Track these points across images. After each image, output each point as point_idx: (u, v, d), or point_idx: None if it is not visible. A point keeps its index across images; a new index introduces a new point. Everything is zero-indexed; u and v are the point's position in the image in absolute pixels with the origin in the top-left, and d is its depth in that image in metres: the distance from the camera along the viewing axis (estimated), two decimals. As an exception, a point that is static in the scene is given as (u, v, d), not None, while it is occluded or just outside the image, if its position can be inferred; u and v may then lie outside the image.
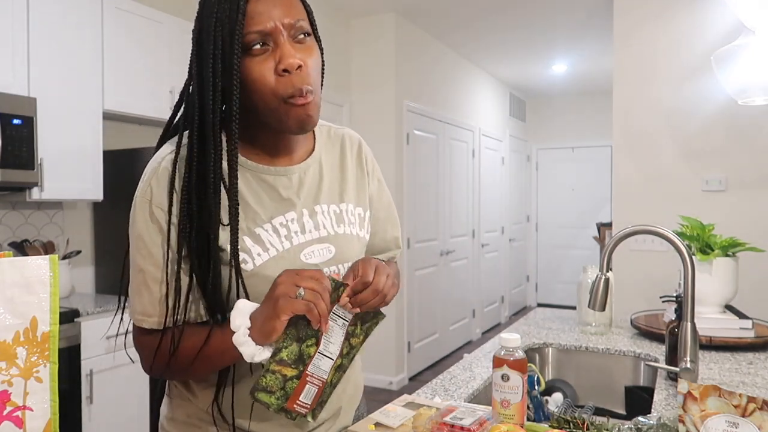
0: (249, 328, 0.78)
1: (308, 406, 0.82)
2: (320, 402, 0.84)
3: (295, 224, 0.90)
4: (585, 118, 7.00)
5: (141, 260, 0.85)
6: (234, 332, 0.78)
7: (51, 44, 2.35)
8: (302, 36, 0.83)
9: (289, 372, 0.80)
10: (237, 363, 0.84)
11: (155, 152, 0.89)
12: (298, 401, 0.81)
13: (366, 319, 0.87)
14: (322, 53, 0.89)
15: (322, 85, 0.89)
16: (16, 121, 2.18)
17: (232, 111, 0.80)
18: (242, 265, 0.85)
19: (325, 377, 0.83)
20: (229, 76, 0.80)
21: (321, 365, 0.82)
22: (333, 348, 0.83)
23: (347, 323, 0.84)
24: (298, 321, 0.79)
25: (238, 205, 0.83)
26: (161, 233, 0.84)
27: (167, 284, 0.84)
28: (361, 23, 4.34)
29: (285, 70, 0.80)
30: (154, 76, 2.74)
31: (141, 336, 0.88)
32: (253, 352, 0.78)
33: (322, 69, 0.89)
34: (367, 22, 4.32)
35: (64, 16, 2.39)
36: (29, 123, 2.22)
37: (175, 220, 0.83)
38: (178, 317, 0.83)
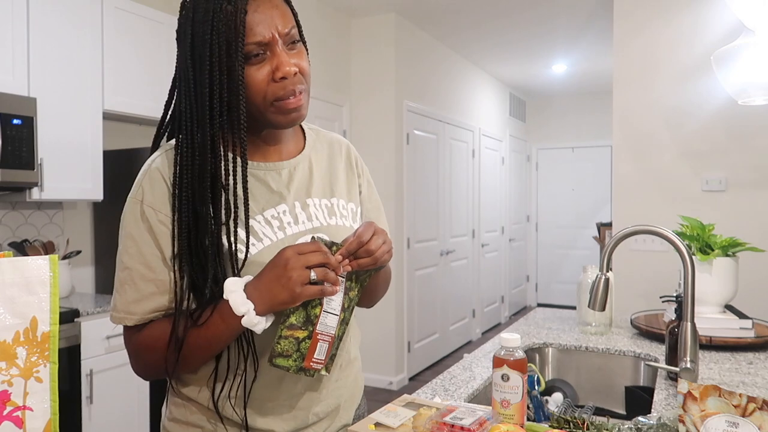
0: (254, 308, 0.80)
1: (322, 362, 0.88)
2: (331, 356, 0.90)
3: (287, 215, 0.93)
4: (585, 118, 7.00)
5: (128, 259, 0.86)
6: (241, 315, 0.80)
7: (51, 44, 2.35)
8: (294, 42, 0.87)
9: (301, 334, 0.84)
10: (232, 358, 0.88)
11: (151, 153, 0.92)
12: (313, 359, 0.86)
13: (360, 273, 0.91)
14: (306, 51, 0.93)
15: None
16: (16, 121, 2.18)
17: (241, 120, 0.83)
18: (238, 255, 0.86)
19: (333, 332, 0.88)
20: (235, 88, 0.82)
21: (328, 322, 0.87)
22: (335, 305, 0.88)
23: (344, 279, 0.88)
24: None
25: (248, 204, 0.86)
26: (150, 232, 0.86)
27: (155, 282, 0.85)
28: (361, 23, 4.34)
29: (283, 78, 0.84)
30: (154, 76, 2.74)
31: (134, 334, 0.88)
32: (265, 326, 0.82)
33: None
34: (367, 22, 4.32)
35: (64, 16, 2.39)
36: (29, 123, 2.22)
37: (166, 219, 0.85)
38: (175, 310, 0.84)
